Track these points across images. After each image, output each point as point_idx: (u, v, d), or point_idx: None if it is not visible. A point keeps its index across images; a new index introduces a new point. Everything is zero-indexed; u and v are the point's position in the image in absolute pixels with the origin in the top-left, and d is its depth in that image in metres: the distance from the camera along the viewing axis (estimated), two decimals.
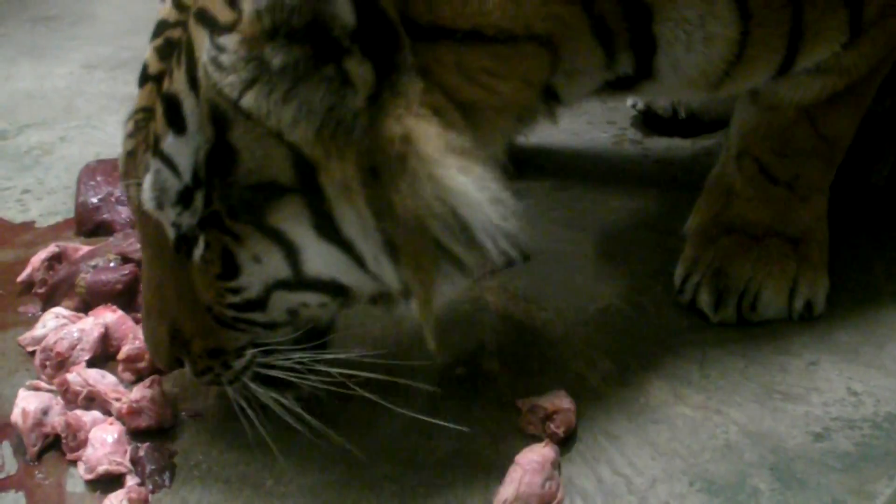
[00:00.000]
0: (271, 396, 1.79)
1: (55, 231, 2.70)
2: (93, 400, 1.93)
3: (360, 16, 1.48)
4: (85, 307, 2.19)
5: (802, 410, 1.90)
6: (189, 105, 1.59)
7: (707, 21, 1.80)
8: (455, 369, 2.02)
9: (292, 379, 1.80)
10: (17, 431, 1.88)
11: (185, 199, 1.63)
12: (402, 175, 1.53)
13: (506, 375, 2.00)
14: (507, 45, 1.65)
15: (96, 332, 2.05)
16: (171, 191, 1.63)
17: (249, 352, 1.79)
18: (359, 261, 1.64)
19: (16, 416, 1.88)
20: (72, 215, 2.69)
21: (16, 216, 2.81)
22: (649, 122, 3.13)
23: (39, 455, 1.86)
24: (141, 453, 1.81)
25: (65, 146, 3.27)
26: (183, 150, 1.61)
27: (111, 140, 3.13)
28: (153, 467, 1.81)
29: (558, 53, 1.73)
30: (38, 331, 2.11)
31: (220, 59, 1.54)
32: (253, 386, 1.80)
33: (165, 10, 1.73)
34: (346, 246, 1.62)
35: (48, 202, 2.88)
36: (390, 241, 1.59)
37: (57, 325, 2.10)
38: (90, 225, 2.60)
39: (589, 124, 3.19)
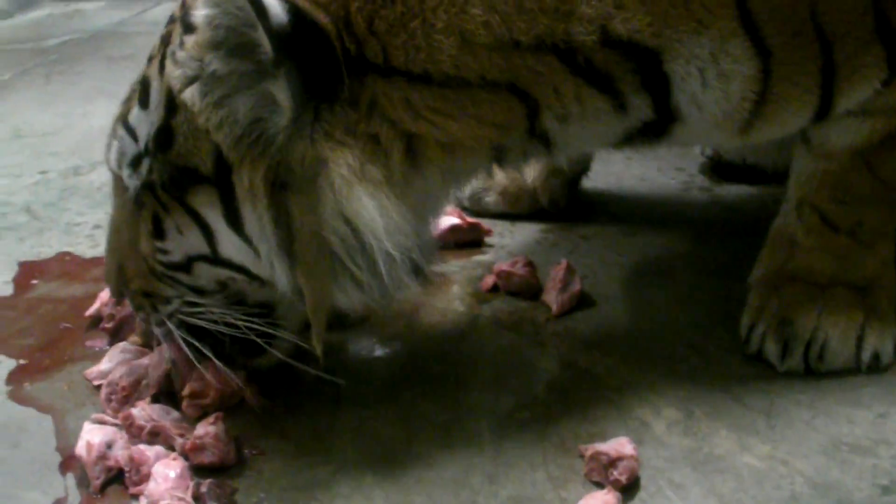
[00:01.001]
0: (189, 341, 1.95)
1: None
2: (157, 435, 1.94)
3: (287, 48, 1.64)
4: (150, 343, 2.20)
5: (870, 463, 1.86)
6: (155, 86, 1.82)
7: (720, 58, 1.82)
8: (518, 413, 2.01)
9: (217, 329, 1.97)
10: (81, 464, 1.89)
11: (136, 163, 1.88)
12: (308, 194, 1.72)
13: (569, 421, 1.99)
14: (457, 89, 1.77)
15: (161, 369, 2.06)
16: (128, 155, 1.89)
17: (175, 303, 1.97)
18: (259, 255, 1.81)
19: (80, 449, 1.89)
20: None
21: (86, 251, 2.84)
22: (718, 169, 3.12)
23: (102, 488, 1.87)
24: (203, 489, 1.81)
25: None
26: (143, 122, 1.85)
27: None
28: None
29: (533, 98, 1.81)
30: (103, 365, 2.14)
31: (177, 54, 1.74)
32: (176, 331, 1.98)
33: (175, 6, 1.91)
34: (249, 240, 1.80)
35: None
36: (285, 247, 1.76)
37: (122, 360, 2.12)
38: None
39: (658, 171, 3.18)
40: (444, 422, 1.98)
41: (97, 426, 1.95)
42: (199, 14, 1.65)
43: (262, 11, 1.60)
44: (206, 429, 1.90)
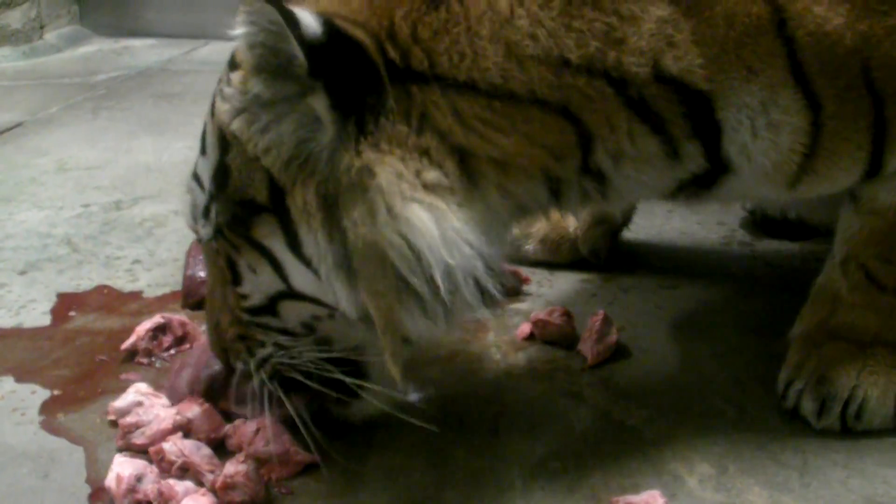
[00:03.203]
0: (282, 395, 1.91)
1: (161, 302, 2.75)
2: (187, 470, 1.93)
3: (322, 59, 1.65)
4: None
5: None
6: (209, 129, 1.85)
7: (770, 108, 1.83)
8: (551, 462, 1.99)
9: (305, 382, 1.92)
10: (110, 496, 1.89)
11: (206, 212, 1.87)
12: (359, 206, 1.70)
13: (601, 471, 1.97)
14: (506, 102, 1.77)
15: (169, 421, 2.06)
16: (199, 206, 1.88)
17: (270, 346, 1.93)
18: (325, 285, 1.79)
19: (110, 481, 1.89)
20: (179, 288, 2.73)
21: (125, 285, 2.86)
22: (760, 223, 3.11)
23: None
24: None
25: (177, 220, 3.32)
26: (205, 169, 1.86)
27: None
28: None
29: (586, 126, 1.81)
30: (119, 402, 2.12)
31: (225, 90, 1.78)
32: (269, 384, 1.93)
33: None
34: (308, 264, 1.79)
35: (157, 273, 2.93)
36: (343, 264, 1.74)
37: (135, 401, 2.11)
38: (196, 298, 2.63)
39: (699, 224, 3.17)
40: (476, 469, 1.97)
41: (128, 459, 1.94)
42: (237, 33, 1.66)
43: (293, 23, 1.62)
44: (236, 467, 1.90)
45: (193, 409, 2.08)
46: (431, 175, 1.73)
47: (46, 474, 2.00)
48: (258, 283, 1.87)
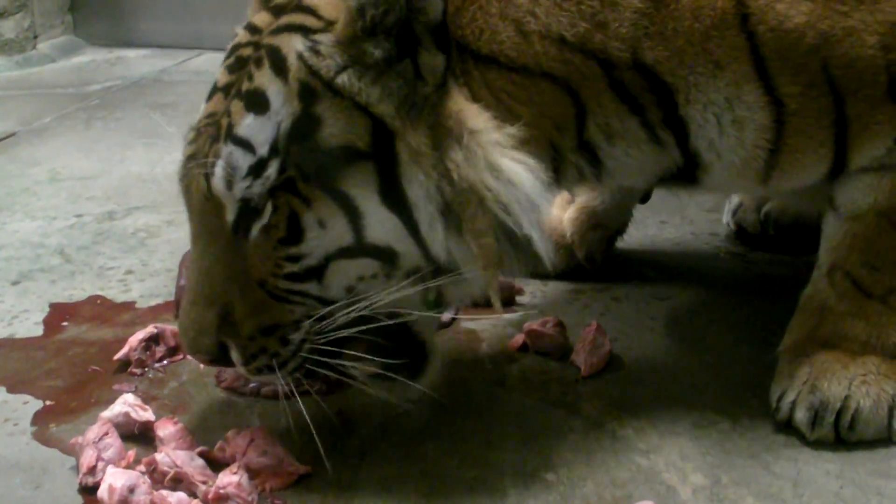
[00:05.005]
0: (335, 364, 1.93)
1: (154, 312, 2.74)
2: (179, 481, 1.93)
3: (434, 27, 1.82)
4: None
5: None
6: (275, 89, 1.85)
7: (734, 104, 1.94)
8: (543, 473, 1.99)
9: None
10: None
11: (257, 170, 1.83)
12: (459, 149, 1.82)
13: (594, 482, 1.97)
14: (523, 75, 1.91)
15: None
16: (242, 168, 1.84)
17: (306, 323, 1.91)
18: (414, 227, 1.85)
19: (102, 493, 1.89)
20: (172, 298, 2.72)
21: (117, 296, 2.86)
22: (742, 238, 3.13)
23: None
24: None
25: (171, 230, 3.33)
26: (263, 127, 1.84)
27: None
28: None
29: (581, 101, 1.95)
30: (107, 412, 2.11)
31: (318, 48, 1.84)
32: (314, 357, 1.93)
33: (239, 36, 2.01)
34: (405, 212, 1.84)
35: (150, 284, 2.93)
36: (445, 205, 1.84)
37: (123, 412, 2.11)
38: None
39: (692, 235, 3.18)
40: (469, 479, 1.97)
41: (120, 470, 1.94)
42: (354, 2, 1.80)
43: None
44: (229, 478, 1.90)
45: (168, 428, 2.08)
46: (509, 126, 1.86)
47: (38, 485, 1.99)
48: (322, 239, 1.86)
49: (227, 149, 1.86)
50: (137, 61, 6.20)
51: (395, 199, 1.84)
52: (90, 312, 2.77)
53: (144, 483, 1.92)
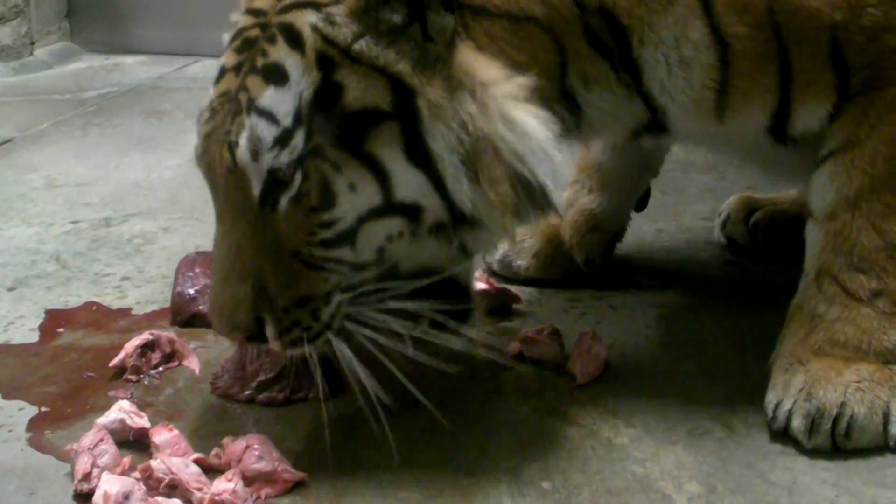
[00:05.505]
0: (365, 335, 1.97)
1: (150, 319, 2.74)
2: (175, 488, 1.93)
3: None
4: None
5: None
6: (293, 62, 1.89)
7: (681, 44, 2.02)
8: (539, 481, 1.99)
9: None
10: None
11: (282, 140, 1.86)
12: (475, 101, 1.88)
13: (589, 490, 1.96)
14: (512, 21, 1.98)
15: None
16: (267, 139, 1.86)
17: (337, 297, 1.95)
18: (439, 181, 1.90)
19: (97, 499, 1.88)
20: (168, 305, 2.72)
21: (113, 302, 2.86)
22: (733, 249, 3.15)
23: None
24: None
25: (167, 236, 3.33)
26: (284, 99, 1.88)
27: (213, 233, 3.18)
28: None
29: (564, 47, 2.04)
30: (102, 419, 2.11)
31: (332, 19, 1.89)
32: (348, 327, 1.97)
33: (242, 21, 2.04)
34: (430, 166, 1.89)
35: (146, 290, 2.93)
36: (465, 156, 1.88)
37: (118, 419, 2.11)
38: (185, 315, 2.62)
39: (687, 242, 3.19)
40: (465, 487, 1.97)
41: (115, 476, 1.94)
42: None
43: None
44: (224, 485, 1.90)
45: (163, 434, 2.07)
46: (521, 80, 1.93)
47: (33, 491, 1.99)
48: (354, 203, 1.89)
49: (251, 120, 1.88)
50: (134, 68, 6.21)
51: (419, 155, 1.89)
52: (86, 319, 2.77)
53: (139, 490, 1.91)
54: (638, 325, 2.66)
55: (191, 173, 3.47)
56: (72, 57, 6.48)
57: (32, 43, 6.42)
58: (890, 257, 2.10)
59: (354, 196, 1.89)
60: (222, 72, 2.01)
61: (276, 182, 1.87)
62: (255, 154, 1.87)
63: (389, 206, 1.91)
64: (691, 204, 3.55)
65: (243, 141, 1.88)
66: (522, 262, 2.91)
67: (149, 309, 2.81)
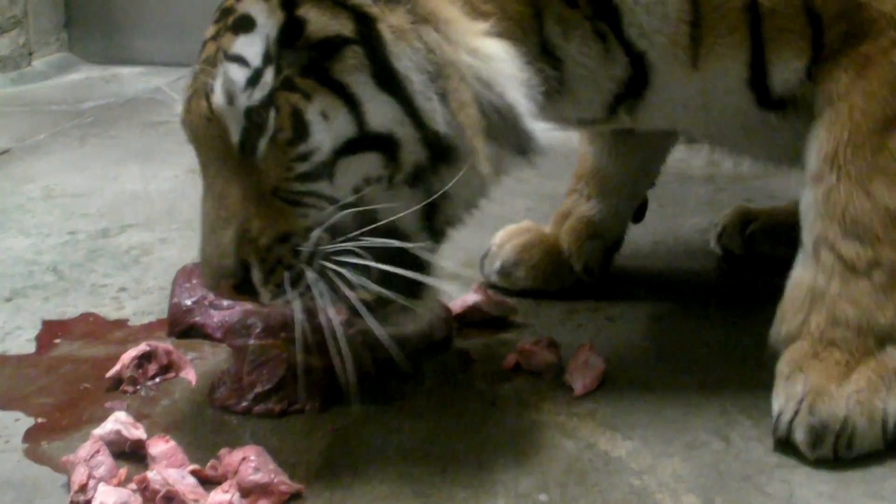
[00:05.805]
0: (340, 272, 1.96)
1: (147, 330, 2.74)
2: (171, 500, 1.92)
3: None
4: None
5: None
6: (258, 9, 1.95)
7: None
8: (536, 494, 1.99)
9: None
10: None
11: (254, 80, 1.92)
12: (437, 32, 1.92)
13: (588, 503, 1.96)
14: None
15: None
16: (240, 81, 1.92)
17: (316, 233, 1.96)
18: (410, 105, 1.91)
19: None
20: (165, 316, 2.71)
21: (110, 313, 2.85)
22: (729, 261, 3.15)
23: None
24: None
25: (164, 248, 3.33)
26: (253, 42, 1.94)
27: None
28: None
29: None
30: (98, 430, 2.11)
31: None
32: (325, 265, 1.97)
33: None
34: (400, 90, 1.91)
35: (143, 301, 2.93)
36: (434, 76, 1.91)
37: (115, 430, 2.10)
38: (182, 327, 2.61)
39: (686, 254, 3.19)
40: (461, 499, 1.96)
41: (111, 488, 1.93)
42: None
43: None
44: (220, 496, 1.90)
45: (160, 446, 2.07)
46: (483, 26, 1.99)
47: (29, 502, 1.98)
48: (328, 132, 1.92)
49: (223, 67, 1.95)
50: (132, 79, 6.22)
51: (387, 78, 1.91)
52: (83, 330, 2.76)
53: (136, 501, 1.91)
54: (635, 336, 2.66)
55: (188, 185, 3.48)
56: (70, 68, 6.49)
57: (31, 54, 6.43)
58: (882, 223, 2.08)
59: (328, 125, 1.91)
60: (204, 44, 2.07)
61: (253, 126, 1.92)
62: (231, 97, 1.93)
63: (364, 137, 1.93)
64: (689, 216, 3.56)
65: (218, 86, 1.94)
66: (521, 273, 2.91)
67: (146, 320, 2.81)
